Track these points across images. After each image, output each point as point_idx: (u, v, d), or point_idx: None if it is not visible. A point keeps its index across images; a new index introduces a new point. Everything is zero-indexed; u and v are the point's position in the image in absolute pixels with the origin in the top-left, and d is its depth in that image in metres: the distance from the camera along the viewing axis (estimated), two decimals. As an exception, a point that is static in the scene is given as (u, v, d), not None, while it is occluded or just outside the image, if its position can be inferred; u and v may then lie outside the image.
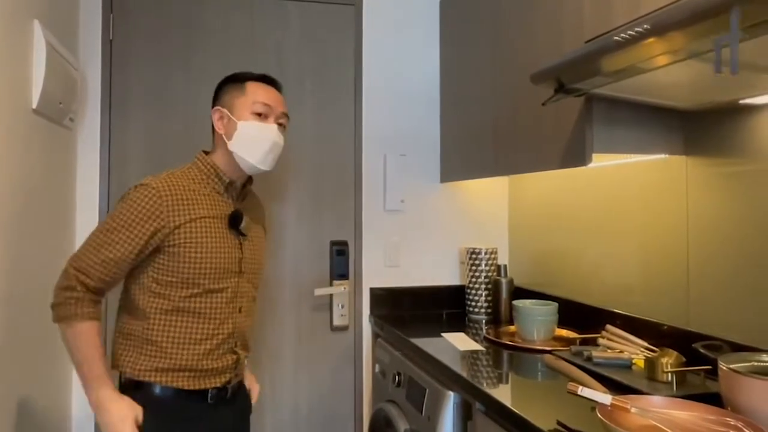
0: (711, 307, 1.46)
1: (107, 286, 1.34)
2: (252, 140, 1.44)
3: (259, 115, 1.46)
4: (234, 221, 1.45)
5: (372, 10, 2.35)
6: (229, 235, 1.44)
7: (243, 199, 1.55)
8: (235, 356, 1.46)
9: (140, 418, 1.31)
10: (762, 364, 1.08)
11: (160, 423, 1.34)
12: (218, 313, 1.41)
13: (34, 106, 1.53)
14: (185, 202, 1.37)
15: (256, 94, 1.47)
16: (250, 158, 1.45)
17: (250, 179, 1.57)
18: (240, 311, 1.47)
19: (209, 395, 1.41)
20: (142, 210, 1.32)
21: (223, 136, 1.47)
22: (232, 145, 1.44)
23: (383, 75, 2.36)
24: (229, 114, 1.46)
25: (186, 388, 1.37)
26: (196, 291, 1.37)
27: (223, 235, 1.42)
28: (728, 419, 1.01)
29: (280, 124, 1.50)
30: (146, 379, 1.35)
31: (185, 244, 1.35)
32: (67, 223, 1.91)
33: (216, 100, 1.53)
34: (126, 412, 1.28)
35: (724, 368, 1.08)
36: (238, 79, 1.50)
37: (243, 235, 1.48)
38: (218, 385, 1.42)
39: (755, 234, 1.35)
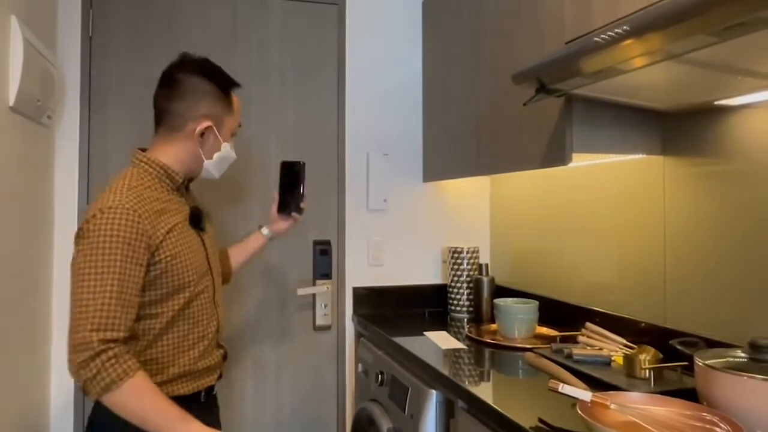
0: (687, 305, 1.49)
1: (131, 331, 1.22)
2: (224, 161, 1.44)
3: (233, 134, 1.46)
4: (196, 220, 1.41)
5: (355, 9, 2.35)
6: (194, 235, 1.40)
7: (187, 195, 1.48)
8: (221, 350, 1.48)
9: None
10: (736, 359, 1.10)
11: None
12: (205, 313, 1.40)
13: (11, 103, 1.50)
14: (155, 215, 1.28)
15: (239, 114, 1.45)
16: (215, 173, 1.45)
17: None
18: (218, 306, 1.47)
19: (202, 395, 1.40)
20: (131, 235, 1.21)
21: (200, 148, 1.39)
22: (209, 162, 1.41)
23: (366, 74, 2.36)
24: (216, 132, 1.39)
25: (184, 394, 1.33)
26: (185, 299, 1.33)
27: (192, 237, 1.38)
28: (704, 414, 1.03)
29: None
30: None
31: (168, 257, 1.28)
32: (45, 222, 1.89)
33: (200, 104, 1.37)
34: None
35: (700, 364, 1.10)
36: (225, 88, 1.41)
37: (203, 231, 1.45)
38: (212, 383, 1.43)
39: (730, 233, 1.38)
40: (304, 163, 1.69)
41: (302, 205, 1.69)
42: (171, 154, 1.38)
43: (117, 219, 1.20)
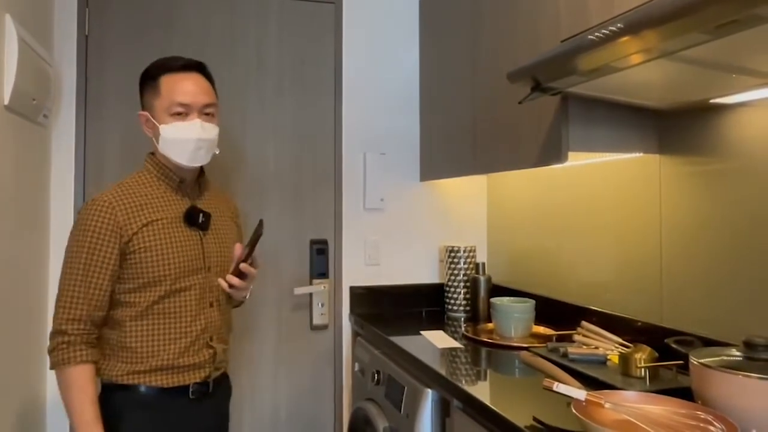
0: (683, 304, 1.48)
1: (99, 317, 1.34)
2: (175, 142, 1.40)
3: (179, 114, 1.40)
4: (190, 218, 1.43)
5: (352, 8, 2.34)
6: (188, 233, 1.43)
7: (200, 194, 1.51)
8: (211, 350, 1.45)
9: None
10: (731, 358, 1.10)
11: (145, 422, 1.36)
12: (188, 311, 1.41)
13: (6, 102, 1.50)
14: (136, 209, 1.37)
15: (172, 92, 1.39)
16: (178, 159, 1.41)
17: (201, 172, 1.52)
18: (211, 306, 1.46)
19: (190, 391, 1.41)
20: (101, 227, 1.32)
21: (153, 139, 1.45)
22: (161, 148, 1.42)
23: (363, 74, 2.36)
24: (151, 118, 1.43)
25: (166, 386, 1.37)
26: (160, 293, 1.37)
27: (181, 234, 1.41)
28: (699, 413, 1.03)
29: (207, 114, 1.43)
30: (127, 382, 1.36)
31: (141, 249, 1.35)
32: (41, 222, 1.88)
33: (141, 100, 1.47)
34: None
35: (695, 363, 1.10)
36: (151, 76, 1.43)
37: (203, 229, 1.46)
38: (198, 380, 1.42)
39: (726, 231, 1.37)
40: (261, 221, 1.49)
41: (242, 266, 1.42)
42: (163, 155, 1.44)
43: (92, 211, 1.34)
